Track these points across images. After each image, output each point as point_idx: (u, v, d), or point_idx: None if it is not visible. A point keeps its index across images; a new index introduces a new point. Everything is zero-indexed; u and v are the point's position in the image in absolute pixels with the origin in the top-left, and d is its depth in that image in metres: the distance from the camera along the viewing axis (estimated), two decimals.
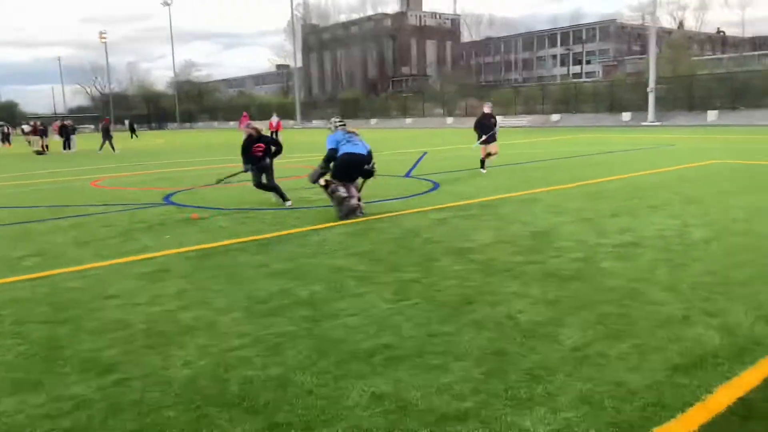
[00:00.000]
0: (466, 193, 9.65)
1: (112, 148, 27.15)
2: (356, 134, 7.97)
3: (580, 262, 5.18)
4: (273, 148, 8.98)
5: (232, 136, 39.25)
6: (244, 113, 31.61)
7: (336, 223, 7.29)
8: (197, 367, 3.30)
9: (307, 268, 5.26)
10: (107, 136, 27.71)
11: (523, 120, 48.38)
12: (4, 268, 5.80)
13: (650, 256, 5.31)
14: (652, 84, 37.93)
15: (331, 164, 7.69)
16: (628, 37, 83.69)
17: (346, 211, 7.51)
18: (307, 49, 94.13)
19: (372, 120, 60.92)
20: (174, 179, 13.71)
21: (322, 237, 6.57)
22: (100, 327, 3.99)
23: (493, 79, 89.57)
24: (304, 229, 7.07)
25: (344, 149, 7.68)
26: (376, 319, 3.93)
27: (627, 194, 8.97)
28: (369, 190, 10.39)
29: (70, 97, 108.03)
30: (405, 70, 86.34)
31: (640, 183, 10.35)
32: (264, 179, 8.88)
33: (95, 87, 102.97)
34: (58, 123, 32.73)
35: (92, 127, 78.13)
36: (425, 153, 19.32)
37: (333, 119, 8.25)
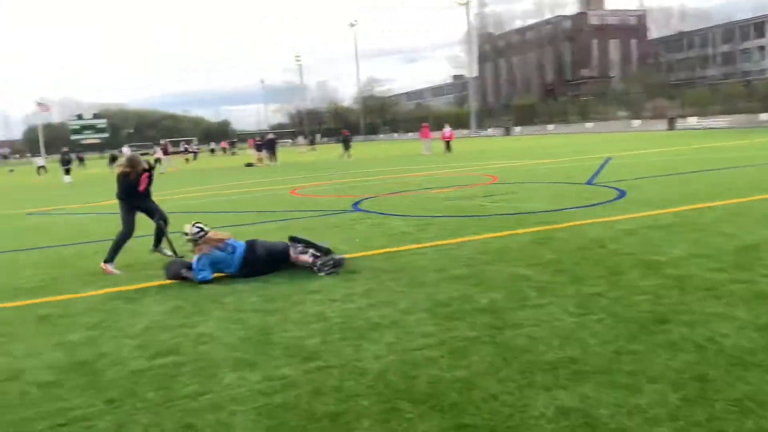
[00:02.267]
0: (657, 201, 8.92)
1: (348, 155, 31.14)
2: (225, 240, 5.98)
3: None
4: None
5: (411, 146, 40.75)
6: (424, 124, 32.60)
7: (517, 231, 7.24)
8: (387, 361, 3.55)
9: (488, 275, 5.33)
10: (347, 145, 32.19)
11: (723, 121, 43.05)
12: None
13: None
14: None
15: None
16: None
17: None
18: (482, 58, 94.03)
19: (549, 126, 58.84)
20: (362, 187, 14.64)
21: (503, 244, 6.58)
22: (302, 318, 4.47)
23: (686, 77, 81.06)
24: (484, 236, 7.13)
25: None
26: (559, 332, 3.86)
27: None
28: (548, 199, 10.11)
29: (271, 115, 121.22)
30: (585, 72, 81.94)
31: None
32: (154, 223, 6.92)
33: (292, 105, 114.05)
34: (257, 138, 36.77)
35: (290, 141, 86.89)
36: (609, 159, 18.21)
37: (190, 230, 5.99)
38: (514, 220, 8.07)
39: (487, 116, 71.89)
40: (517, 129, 62.09)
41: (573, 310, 4.25)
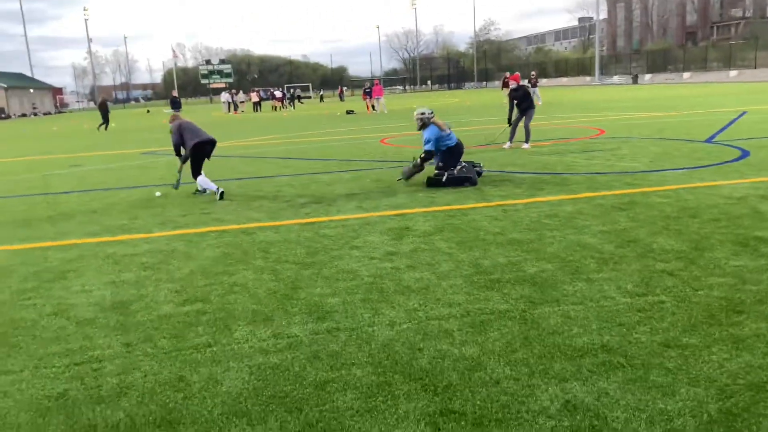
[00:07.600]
0: None
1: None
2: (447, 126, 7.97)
3: None
4: None
5: None
6: (514, 74, 30.44)
7: (598, 194, 6.52)
8: (399, 330, 3.30)
9: (547, 241, 4.83)
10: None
11: None
12: (290, 212, 6.75)
13: None
14: None
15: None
16: None
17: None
18: None
19: (685, 74, 53.26)
20: None
21: (577, 208, 5.95)
22: (334, 274, 4.32)
23: None
24: (559, 197, 6.52)
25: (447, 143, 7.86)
26: (603, 313, 3.37)
27: None
28: (652, 157, 9.09)
29: (386, 61, 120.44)
30: (736, 12, 72.52)
31: None
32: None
33: (406, 50, 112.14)
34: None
35: (401, 88, 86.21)
36: (743, 113, 16.04)
37: (420, 111, 7.92)
38: (602, 181, 7.29)
39: (613, 62, 66.44)
40: (647, 77, 56.82)
41: (630, 289, 3.71)
